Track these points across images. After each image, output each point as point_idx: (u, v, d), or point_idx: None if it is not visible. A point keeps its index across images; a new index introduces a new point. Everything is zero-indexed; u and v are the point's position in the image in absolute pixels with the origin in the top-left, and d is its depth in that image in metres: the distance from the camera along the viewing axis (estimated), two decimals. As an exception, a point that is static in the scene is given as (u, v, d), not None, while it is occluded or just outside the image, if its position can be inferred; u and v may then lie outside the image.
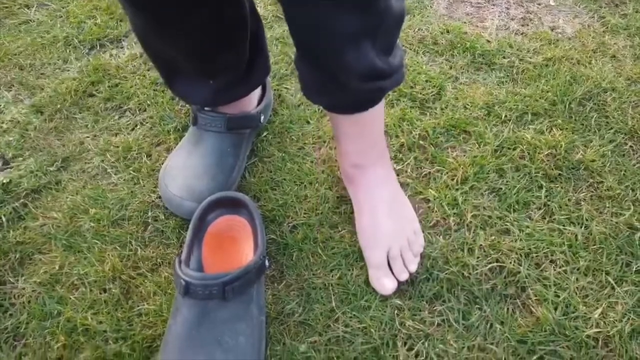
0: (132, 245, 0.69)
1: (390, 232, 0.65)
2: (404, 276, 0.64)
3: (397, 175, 0.76)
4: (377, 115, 0.65)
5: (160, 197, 0.74)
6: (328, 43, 0.52)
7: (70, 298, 0.64)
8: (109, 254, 0.68)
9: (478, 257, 0.67)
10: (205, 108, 0.74)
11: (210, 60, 0.66)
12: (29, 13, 1.08)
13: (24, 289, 0.65)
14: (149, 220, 0.72)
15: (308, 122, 0.84)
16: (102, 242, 0.70)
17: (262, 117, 0.79)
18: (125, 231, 0.71)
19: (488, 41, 0.98)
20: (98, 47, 1.00)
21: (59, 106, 0.87)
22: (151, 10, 0.56)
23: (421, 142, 0.80)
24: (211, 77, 0.69)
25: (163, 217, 0.72)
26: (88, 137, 0.83)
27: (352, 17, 0.50)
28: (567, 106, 0.84)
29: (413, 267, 0.65)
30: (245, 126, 0.76)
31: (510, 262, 0.66)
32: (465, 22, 1.03)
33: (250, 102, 0.78)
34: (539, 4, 1.07)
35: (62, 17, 1.06)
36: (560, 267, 0.65)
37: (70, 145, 0.82)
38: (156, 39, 0.62)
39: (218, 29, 0.63)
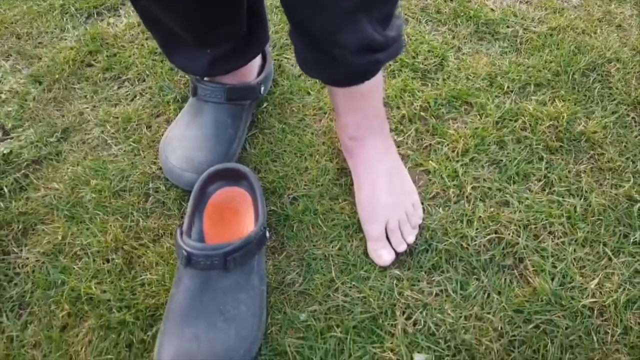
0: (133, 216, 0.70)
1: (389, 205, 0.66)
2: (402, 247, 0.65)
3: (398, 147, 0.76)
4: (375, 87, 0.64)
5: (160, 169, 0.74)
6: (323, 19, 0.51)
7: (73, 268, 0.65)
8: (111, 225, 0.69)
9: (477, 229, 0.67)
10: (205, 78, 0.73)
11: (208, 29, 0.65)
12: (24, -20, 1.05)
13: (27, 258, 0.66)
14: (150, 192, 0.72)
15: (309, 93, 0.84)
16: (104, 213, 0.70)
17: (262, 88, 0.79)
18: (126, 202, 0.71)
19: (492, 10, 0.96)
20: (95, 15, 0.98)
21: (57, 76, 0.87)
22: None
23: (422, 113, 0.80)
24: (209, 46, 0.68)
25: (164, 189, 0.73)
26: (87, 107, 0.83)
27: None
28: (570, 77, 0.83)
29: (411, 239, 0.65)
30: (245, 97, 0.76)
31: (509, 234, 0.67)
32: (469, -10, 1.01)
33: (250, 72, 0.77)
34: (545, -29, 1.04)
35: (57, -16, 1.04)
36: (558, 239, 0.66)
37: (70, 115, 0.81)
38: (154, 8, 0.61)
39: None
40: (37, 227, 0.69)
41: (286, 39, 0.92)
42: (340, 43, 0.53)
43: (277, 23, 0.95)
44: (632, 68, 0.84)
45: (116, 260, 0.65)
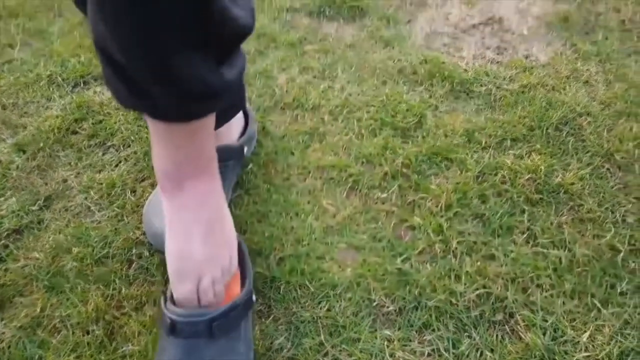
0: (116, 283, 0.68)
1: (203, 260, 0.57)
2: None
3: (382, 203, 0.76)
4: (207, 124, 0.55)
5: (144, 234, 0.73)
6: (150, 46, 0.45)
7: (52, 342, 0.62)
8: (92, 294, 0.67)
9: (465, 284, 0.67)
10: None
11: None
12: (13, 52, 1.08)
13: (3, 333, 0.63)
14: (133, 258, 0.71)
15: (292, 153, 0.85)
16: (85, 282, 0.68)
17: (246, 149, 0.80)
18: (109, 269, 0.70)
19: (465, 70, 1.01)
20: (82, 85, 1.00)
21: (42, 144, 0.87)
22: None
23: (404, 170, 0.81)
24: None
25: (147, 254, 0.72)
26: (71, 174, 0.83)
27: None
28: (544, 131, 0.86)
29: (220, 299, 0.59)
30: (227, 158, 0.76)
31: (497, 288, 0.66)
32: (442, 53, 1.06)
33: (230, 134, 0.78)
34: (513, 34, 1.10)
35: (45, 55, 1.07)
36: (546, 291, 0.66)
37: (53, 183, 0.81)
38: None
39: None
40: (15, 300, 0.67)
41: (269, 102, 0.95)
42: (165, 78, 0.47)
43: (260, 87, 0.98)
44: (602, 121, 0.88)
45: (97, 332, 0.63)
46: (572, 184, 0.78)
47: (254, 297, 0.61)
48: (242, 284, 0.62)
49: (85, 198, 0.79)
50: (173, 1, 0.42)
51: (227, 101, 0.53)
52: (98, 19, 0.45)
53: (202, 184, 0.58)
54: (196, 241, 0.57)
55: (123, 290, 0.67)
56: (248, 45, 1.10)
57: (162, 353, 0.56)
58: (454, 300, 0.65)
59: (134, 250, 0.72)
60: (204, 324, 0.55)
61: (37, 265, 0.70)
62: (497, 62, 1.03)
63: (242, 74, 0.55)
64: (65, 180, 0.82)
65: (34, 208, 0.78)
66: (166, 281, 0.68)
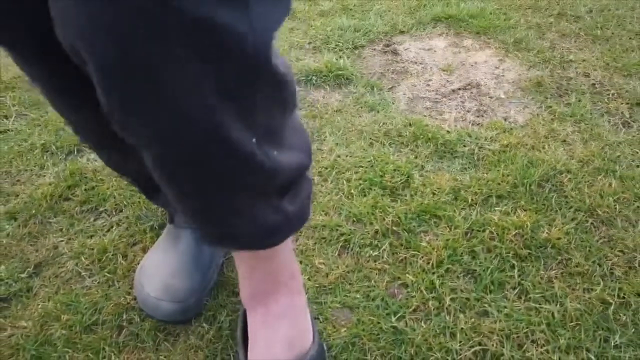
0: (105, 351, 0.66)
1: None
2: None
3: (374, 261, 0.77)
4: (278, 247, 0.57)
5: (135, 299, 0.72)
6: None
7: (37, 414, 0.60)
8: (80, 363, 0.65)
9: (460, 341, 0.66)
10: None
11: None
12: (7, 123, 1.10)
13: (-14, 407, 0.61)
14: (124, 324, 0.70)
15: (284, 215, 0.86)
16: (74, 350, 0.66)
17: None
18: (98, 337, 0.68)
19: (448, 132, 1.05)
20: (75, 152, 1.02)
21: (33, 211, 0.87)
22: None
23: (395, 228, 0.83)
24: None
25: (138, 320, 0.70)
26: (62, 240, 0.82)
27: None
28: (527, 188, 0.89)
29: None
30: None
31: (493, 345, 0.66)
32: (425, 116, 1.11)
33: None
34: (491, 97, 1.16)
35: (40, 125, 1.09)
36: (541, 347, 0.66)
37: (44, 250, 0.81)
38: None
39: None
40: (-1, 371, 0.65)
41: (260, 166, 0.97)
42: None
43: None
44: (582, 178, 0.91)
45: (85, 403, 0.61)
46: (559, 238, 0.79)
47: None
48: None
49: (76, 264, 0.78)
50: (226, 164, 0.44)
51: (297, 227, 0.55)
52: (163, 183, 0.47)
53: (284, 298, 0.61)
54: (279, 352, 0.59)
55: (113, 357, 0.66)
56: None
57: None
58: (450, 359, 0.65)
59: (124, 316, 0.71)
60: None
61: (25, 334, 0.68)
62: (478, 124, 1.08)
63: (309, 200, 0.56)
64: (56, 247, 0.81)
65: (23, 275, 0.77)
66: (157, 346, 0.67)
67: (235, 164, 0.44)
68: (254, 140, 0.44)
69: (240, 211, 0.49)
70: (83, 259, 0.79)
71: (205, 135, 0.41)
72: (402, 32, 1.44)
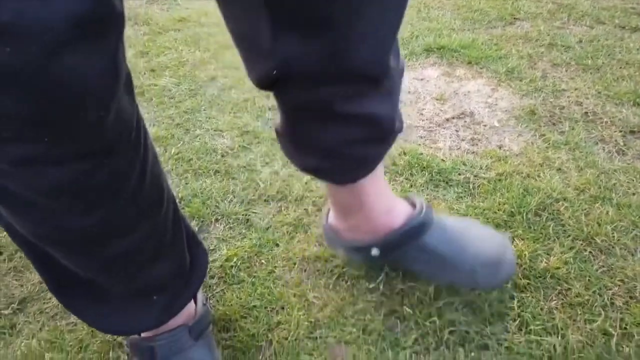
0: (90, 391, 0.63)
1: None
2: None
3: (370, 293, 0.75)
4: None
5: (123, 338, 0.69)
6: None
7: None
8: (63, 404, 0.62)
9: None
10: (142, 335, 0.63)
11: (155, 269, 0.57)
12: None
13: None
14: (111, 362, 0.67)
15: (277, 245, 0.85)
16: (57, 391, 0.64)
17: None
18: (83, 376, 0.65)
19: (443, 160, 1.05)
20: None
21: (20, 244, 0.85)
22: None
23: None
24: (153, 292, 0.58)
25: (125, 358, 0.68)
26: (49, 274, 0.80)
27: None
28: (524, 217, 0.88)
29: None
30: (208, 322, 0.68)
31: (494, 380, 0.64)
32: (420, 144, 1.10)
33: (192, 302, 0.68)
34: (485, 126, 1.17)
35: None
36: (544, 382, 0.63)
37: (29, 285, 0.78)
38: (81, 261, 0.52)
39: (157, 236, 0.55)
40: (-23, 414, 0.62)
41: (253, 195, 0.96)
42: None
43: (244, 181, 1.00)
44: (579, 206, 0.90)
45: None
46: (558, 268, 0.78)
47: None
48: None
49: (63, 298, 0.76)
50: None
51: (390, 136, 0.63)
52: None
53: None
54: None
55: (97, 398, 0.63)
56: (232, 142, 1.13)
57: None
58: (450, 396, 0.62)
59: (111, 354, 0.68)
60: None
61: (5, 374, 0.66)
62: (473, 152, 1.07)
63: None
64: (41, 282, 0.79)
65: (6, 312, 0.74)
66: (145, 386, 0.64)
67: None
68: None
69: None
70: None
71: None
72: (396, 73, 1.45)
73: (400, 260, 0.73)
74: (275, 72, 0.50)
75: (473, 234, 0.72)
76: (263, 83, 0.54)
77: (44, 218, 0.44)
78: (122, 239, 0.50)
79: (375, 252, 0.71)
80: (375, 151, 0.63)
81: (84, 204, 0.44)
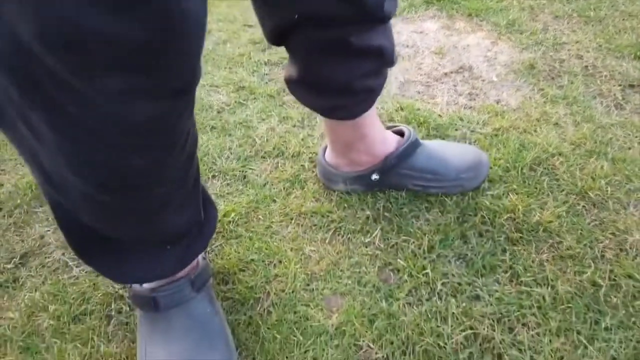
0: (94, 341, 0.66)
1: None
2: None
3: (365, 247, 0.77)
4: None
5: (124, 287, 0.71)
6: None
7: (25, 406, 0.59)
8: (69, 354, 0.64)
9: (452, 326, 0.66)
10: (159, 283, 0.64)
11: (170, 221, 0.58)
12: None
13: (-27, 399, 0.60)
14: (113, 313, 0.69)
15: (274, 201, 0.85)
16: (62, 341, 0.66)
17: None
18: (87, 326, 0.67)
19: (440, 115, 1.04)
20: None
21: (19, 201, 0.86)
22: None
23: (386, 213, 0.82)
24: (170, 241, 0.60)
25: (127, 309, 0.70)
26: (49, 230, 0.81)
27: None
28: (519, 172, 0.88)
29: None
30: (209, 275, 0.69)
31: (484, 329, 0.66)
32: (417, 100, 1.10)
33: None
34: (483, 80, 1.15)
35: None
36: (532, 330, 0.66)
37: (30, 240, 0.79)
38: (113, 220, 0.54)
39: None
40: (-14, 363, 0.64)
41: (250, 151, 0.96)
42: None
43: (240, 137, 1.00)
44: (574, 161, 0.90)
45: (73, 393, 0.60)
46: (550, 222, 0.79)
47: None
48: None
49: (63, 254, 0.77)
50: None
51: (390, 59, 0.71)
52: None
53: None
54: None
55: (102, 347, 0.65)
56: (229, 98, 1.12)
57: None
58: (441, 343, 0.65)
59: (113, 306, 0.70)
60: None
61: (12, 325, 0.68)
62: (470, 107, 1.07)
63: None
64: (42, 237, 0.80)
65: (9, 266, 0.75)
66: (147, 336, 0.66)
67: None
68: None
69: None
70: (70, 248, 0.78)
71: None
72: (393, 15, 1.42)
73: (395, 181, 0.84)
74: (297, 16, 0.58)
75: (452, 149, 0.86)
76: (278, 33, 0.63)
77: (109, 159, 0.44)
78: (165, 185, 0.51)
79: (375, 176, 0.82)
80: (380, 82, 0.73)
81: (153, 142, 0.45)
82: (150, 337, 0.62)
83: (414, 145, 0.82)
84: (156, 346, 0.61)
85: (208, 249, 0.78)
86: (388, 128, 0.86)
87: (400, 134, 0.85)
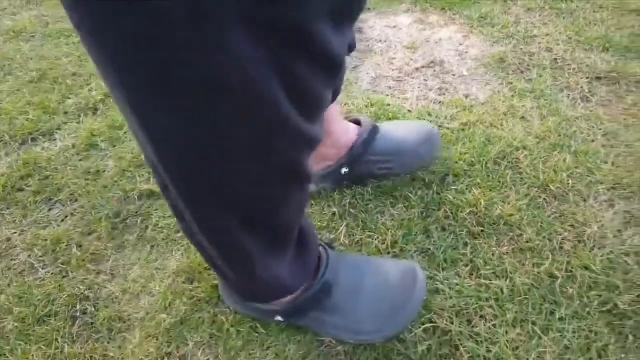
0: (58, 342, 0.66)
1: None
2: None
3: (337, 241, 0.78)
4: None
5: (89, 288, 0.72)
6: None
7: (-13, 408, 0.60)
8: (33, 355, 0.65)
9: (412, 320, 0.68)
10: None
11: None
12: (-41, 112, 1.08)
13: (-64, 403, 0.61)
14: (78, 314, 0.70)
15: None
16: (26, 343, 0.66)
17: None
18: (51, 328, 0.68)
19: (409, 110, 1.05)
20: (29, 141, 1.00)
21: (-15, 203, 0.86)
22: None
23: (352, 210, 0.83)
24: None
25: (93, 310, 0.70)
26: (15, 232, 0.81)
27: None
28: (483, 166, 0.90)
29: None
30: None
31: (443, 321, 0.67)
32: (387, 95, 1.10)
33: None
34: (453, 75, 1.16)
35: (-7, 114, 1.07)
36: (489, 322, 0.67)
37: (-4, 242, 0.80)
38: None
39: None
40: (-51, 366, 0.64)
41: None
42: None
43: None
44: (537, 154, 0.92)
45: (36, 394, 0.61)
46: (511, 215, 0.81)
47: None
48: None
49: (29, 255, 0.77)
50: None
51: None
52: None
53: None
54: None
55: (66, 348, 0.66)
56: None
57: None
58: (401, 336, 0.66)
59: (78, 307, 0.71)
60: None
61: (-25, 328, 0.68)
62: (439, 102, 1.08)
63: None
64: (8, 239, 0.80)
65: (-26, 269, 0.76)
66: (110, 336, 0.67)
67: None
68: None
69: None
70: (36, 250, 0.78)
71: None
72: (367, 9, 1.42)
73: (363, 169, 0.86)
74: None
75: (404, 127, 0.90)
76: None
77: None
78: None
79: (345, 169, 0.84)
80: (340, 82, 0.72)
81: None
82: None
83: (375, 130, 0.86)
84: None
85: (177, 246, 0.79)
86: (344, 118, 0.88)
87: (357, 122, 0.88)
